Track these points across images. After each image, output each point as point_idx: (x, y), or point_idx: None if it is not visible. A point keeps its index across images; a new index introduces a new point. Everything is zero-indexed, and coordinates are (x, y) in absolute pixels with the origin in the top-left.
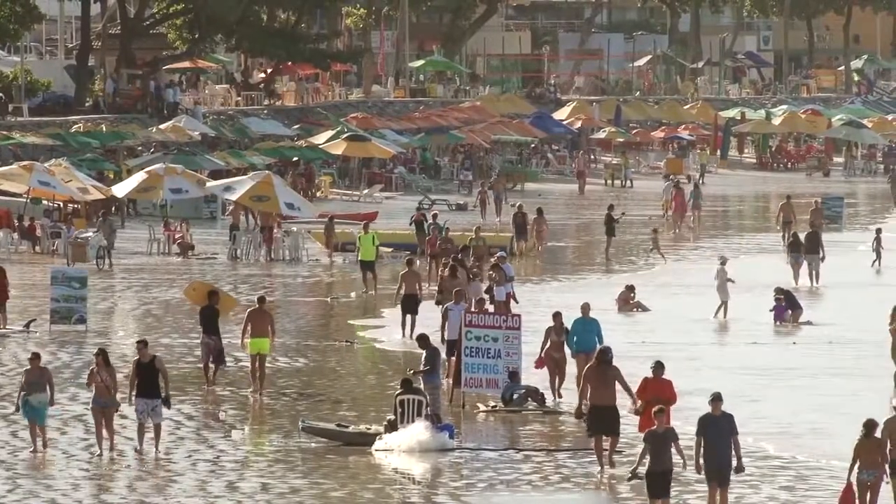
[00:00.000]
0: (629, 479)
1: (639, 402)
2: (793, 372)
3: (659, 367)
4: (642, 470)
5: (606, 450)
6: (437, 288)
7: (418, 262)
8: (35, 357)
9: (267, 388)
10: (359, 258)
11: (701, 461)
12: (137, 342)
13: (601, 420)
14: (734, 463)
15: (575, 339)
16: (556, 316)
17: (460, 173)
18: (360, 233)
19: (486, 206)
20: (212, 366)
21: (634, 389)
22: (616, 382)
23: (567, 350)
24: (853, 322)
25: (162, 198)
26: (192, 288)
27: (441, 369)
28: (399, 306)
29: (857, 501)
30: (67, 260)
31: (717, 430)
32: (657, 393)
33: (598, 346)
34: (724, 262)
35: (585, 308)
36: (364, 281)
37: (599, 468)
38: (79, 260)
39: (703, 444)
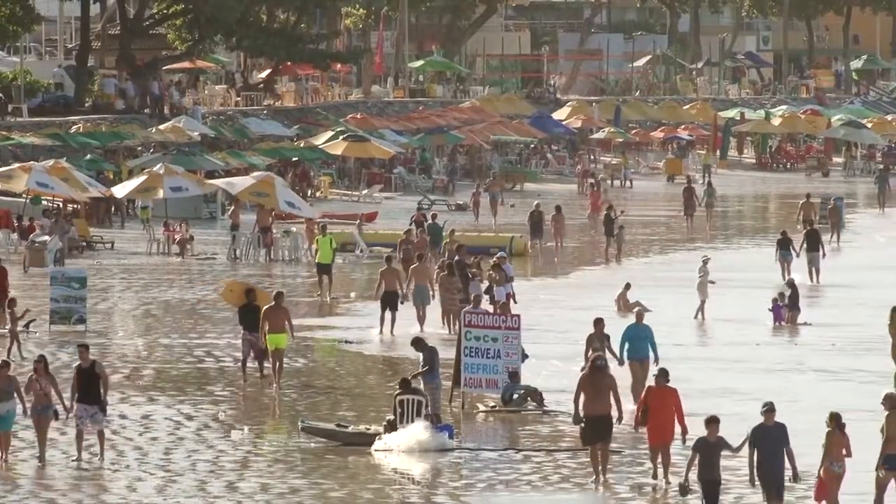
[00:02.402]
0: (682, 494)
1: (633, 416)
2: (796, 373)
3: (662, 375)
4: (692, 477)
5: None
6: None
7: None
8: (3, 365)
9: (267, 388)
10: (316, 261)
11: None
12: (78, 346)
13: (596, 429)
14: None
15: (627, 346)
16: (598, 322)
17: (435, 176)
18: (318, 235)
19: (479, 207)
20: (254, 363)
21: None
22: (610, 391)
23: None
24: (853, 322)
25: (148, 199)
26: (229, 289)
27: (440, 369)
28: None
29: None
30: (24, 265)
31: (771, 440)
32: (660, 402)
33: (652, 354)
34: (706, 261)
35: (639, 314)
36: (320, 284)
37: (595, 477)
38: (36, 265)
39: (756, 456)
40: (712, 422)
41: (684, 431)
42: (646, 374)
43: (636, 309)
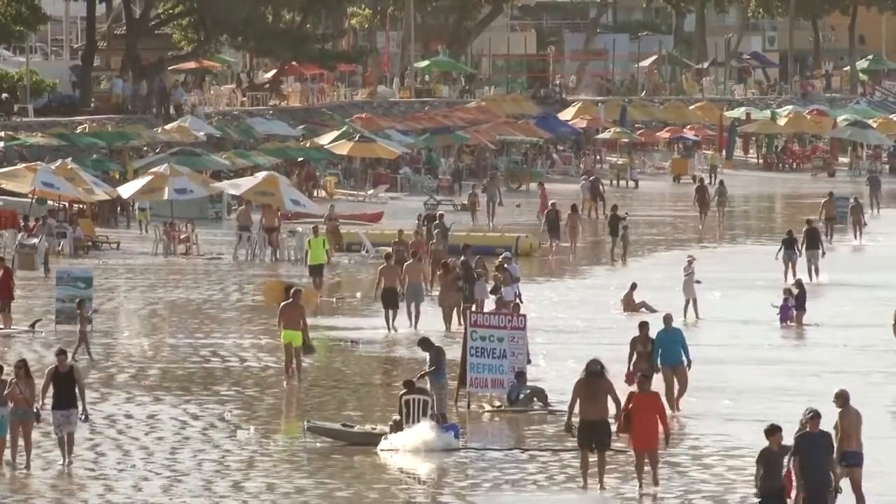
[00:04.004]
0: None
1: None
2: (801, 373)
3: (644, 380)
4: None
5: (595, 460)
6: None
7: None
8: None
9: (272, 387)
10: (307, 262)
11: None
12: (57, 353)
13: (591, 435)
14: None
15: (660, 351)
16: (643, 326)
17: (441, 176)
18: (310, 236)
19: (477, 208)
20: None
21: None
22: (608, 396)
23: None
24: (859, 322)
25: (147, 201)
26: (270, 288)
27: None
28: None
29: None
30: (12, 268)
31: (816, 448)
32: (643, 407)
33: (684, 358)
34: (691, 260)
35: (668, 319)
36: (314, 286)
37: (583, 484)
38: (25, 268)
39: (800, 465)
40: (775, 431)
41: (668, 436)
42: (682, 379)
43: (665, 315)
